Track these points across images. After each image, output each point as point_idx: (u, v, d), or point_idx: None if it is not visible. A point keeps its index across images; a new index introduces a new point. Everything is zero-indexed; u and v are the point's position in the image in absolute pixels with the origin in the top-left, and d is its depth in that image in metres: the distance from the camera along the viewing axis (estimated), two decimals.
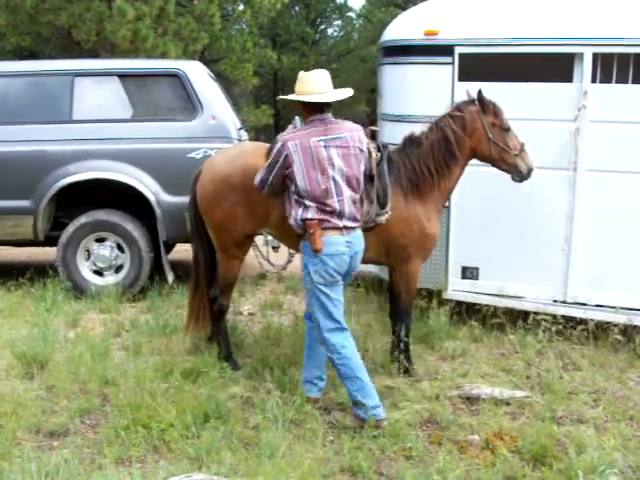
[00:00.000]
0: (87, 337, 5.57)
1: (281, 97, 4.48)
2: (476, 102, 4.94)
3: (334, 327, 4.24)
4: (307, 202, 4.12)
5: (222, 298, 5.10)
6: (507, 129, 4.97)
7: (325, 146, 4.10)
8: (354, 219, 4.21)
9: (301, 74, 4.27)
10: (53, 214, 7.22)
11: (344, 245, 4.16)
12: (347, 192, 4.15)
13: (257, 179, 4.33)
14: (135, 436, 4.00)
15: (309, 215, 4.12)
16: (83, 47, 14.06)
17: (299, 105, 4.24)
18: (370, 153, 4.72)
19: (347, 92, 4.29)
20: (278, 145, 4.16)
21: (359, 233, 4.29)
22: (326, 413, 4.42)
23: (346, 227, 4.17)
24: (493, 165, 5.06)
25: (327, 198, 4.10)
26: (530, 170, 5.01)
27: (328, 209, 4.12)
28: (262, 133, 23.20)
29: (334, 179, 4.11)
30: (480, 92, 4.90)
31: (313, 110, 4.21)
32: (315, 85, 4.19)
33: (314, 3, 31.03)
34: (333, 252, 4.14)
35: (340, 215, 4.14)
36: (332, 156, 4.11)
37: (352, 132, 4.21)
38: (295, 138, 4.13)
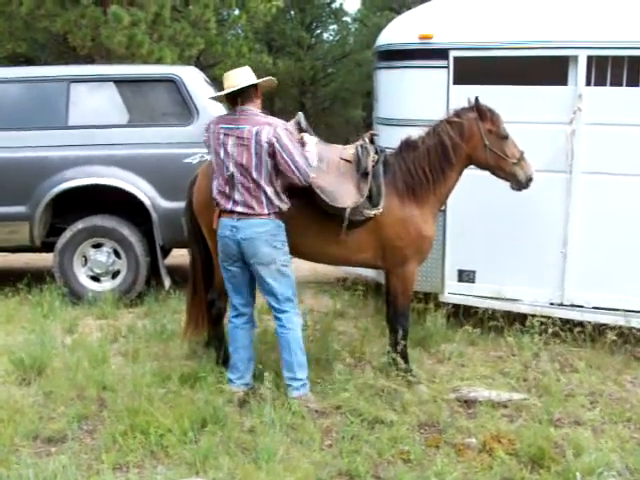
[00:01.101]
0: (84, 343, 5.56)
1: (212, 96, 5.04)
2: (474, 108, 4.94)
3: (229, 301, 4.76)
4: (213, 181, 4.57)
5: (219, 302, 5.11)
6: (505, 137, 4.95)
7: (225, 134, 4.44)
8: (248, 206, 4.41)
9: (225, 74, 4.63)
10: (49, 220, 7.21)
11: (228, 229, 4.44)
12: (239, 179, 4.40)
13: None
14: (133, 441, 3.99)
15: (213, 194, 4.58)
16: (79, 53, 14.04)
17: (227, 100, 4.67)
18: (367, 152, 4.78)
19: (248, 80, 4.50)
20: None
21: (252, 222, 4.41)
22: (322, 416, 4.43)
23: (235, 212, 4.43)
24: (491, 173, 5.06)
25: (221, 181, 4.47)
26: (529, 179, 5.00)
27: (221, 190, 4.48)
28: None
29: (226, 166, 4.42)
30: (477, 99, 4.90)
31: (232, 102, 4.56)
32: (230, 81, 4.51)
33: (309, 8, 31.04)
34: (219, 234, 4.53)
35: (229, 199, 4.44)
36: (227, 144, 4.42)
37: (256, 126, 4.39)
38: (213, 122, 4.59)
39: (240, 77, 4.51)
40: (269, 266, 4.45)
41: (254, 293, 4.79)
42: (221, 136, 4.44)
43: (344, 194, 4.69)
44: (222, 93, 4.56)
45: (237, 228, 4.41)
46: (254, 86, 4.53)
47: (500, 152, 4.94)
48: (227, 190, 4.44)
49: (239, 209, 4.41)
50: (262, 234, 4.41)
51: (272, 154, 4.37)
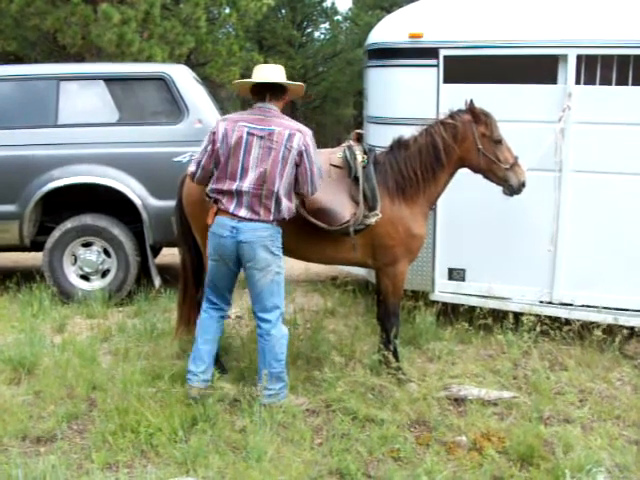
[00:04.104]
0: (74, 342, 5.55)
1: (238, 81, 4.71)
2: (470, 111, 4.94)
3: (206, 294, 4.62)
4: (215, 178, 4.37)
5: None
6: (499, 141, 4.94)
7: (250, 133, 4.27)
8: (253, 212, 4.29)
9: (257, 66, 4.50)
10: (39, 219, 7.19)
11: (228, 229, 4.30)
12: (254, 184, 4.25)
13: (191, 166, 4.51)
14: (123, 441, 3.99)
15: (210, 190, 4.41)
16: (69, 51, 13.99)
17: (251, 92, 4.50)
18: (355, 156, 4.79)
19: (284, 78, 4.44)
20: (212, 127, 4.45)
21: (255, 226, 4.30)
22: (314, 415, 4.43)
23: (237, 215, 4.29)
24: (484, 177, 5.05)
25: (230, 180, 4.28)
26: (522, 185, 4.99)
27: (225, 189, 4.30)
28: None
29: (243, 167, 4.26)
30: (472, 102, 4.89)
31: (257, 97, 4.42)
32: (266, 72, 4.41)
33: (300, 6, 31.08)
34: (214, 231, 4.37)
35: (233, 200, 4.29)
36: (251, 144, 4.26)
37: (287, 130, 4.29)
38: (229, 119, 4.38)
39: (277, 73, 4.41)
40: (264, 272, 4.35)
41: (232, 294, 4.72)
42: (244, 135, 4.26)
43: (341, 209, 4.70)
44: (252, 81, 4.38)
45: (238, 229, 4.28)
46: (284, 87, 4.45)
47: (493, 156, 4.93)
48: (234, 190, 4.27)
49: (242, 213, 4.28)
50: (264, 238, 4.31)
51: (298, 162, 4.31)
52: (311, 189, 4.44)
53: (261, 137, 4.26)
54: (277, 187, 4.26)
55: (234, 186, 4.27)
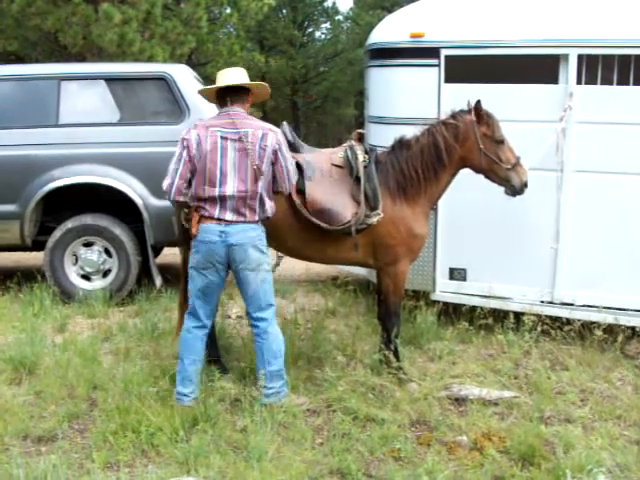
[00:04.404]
0: (75, 342, 5.55)
1: (201, 89, 4.77)
2: (472, 111, 4.92)
3: (191, 310, 4.52)
4: (192, 188, 4.32)
5: None
6: (500, 142, 4.93)
7: (223, 137, 4.26)
8: (239, 213, 4.29)
9: (220, 71, 4.53)
10: (40, 219, 7.19)
11: (216, 234, 4.27)
12: (234, 185, 4.24)
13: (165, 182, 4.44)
14: (123, 440, 3.99)
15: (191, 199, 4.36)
16: (70, 51, 14.00)
17: (215, 98, 4.56)
18: (356, 156, 4.79)
19: (244, 79, 4.44)
20: (182, 134, 4.37)
21: (244, 227, 4.30)
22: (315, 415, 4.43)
23: (223, 219, 4.27)
24: (485, 177, 5.05)
25: (210, 186, 4.25)
26: (524, 185, 4.99)
27: (207, 197, 4.27)
28: None
29: (222, 172, 4.24)
30: (478, 102, 4.88)
31: (222, 102, 4.45)
32: (226, 77, 4.43)
33: (302, 6, 31.11)
34: (202, 239, 4.32)
35: (217, 205, 4.27)
36: (227, 148, 4.25)
37: (259, 130, 4.30)
38: (200, 126, 4.34)
39: (236, 76, 4.44)
40: (256, 271, 4.36)
41: (218, 304, 4.71)
42: (218, 139, 4.25)
43: (342, 209, 4.71)
44: (215, 87, 4.45)
45: (227, 233, 4.27)
46: (247, 89, 4.48)
47: (495, 157, 4.92)
48: (217, 196, 4.26)
49: (229, 217, 4.28)
50: (253, 239, 4.33)
51: (273, 161, 4.33)
52: (289, 186, 4.47)
53: (235, 140, 4.27)
54: (260, 187, 4.29)
55: (216, 192, 4.26)
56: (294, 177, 4.51)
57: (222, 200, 4.27)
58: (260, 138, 4.28)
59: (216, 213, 4.29)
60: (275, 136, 4.34)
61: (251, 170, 4.26)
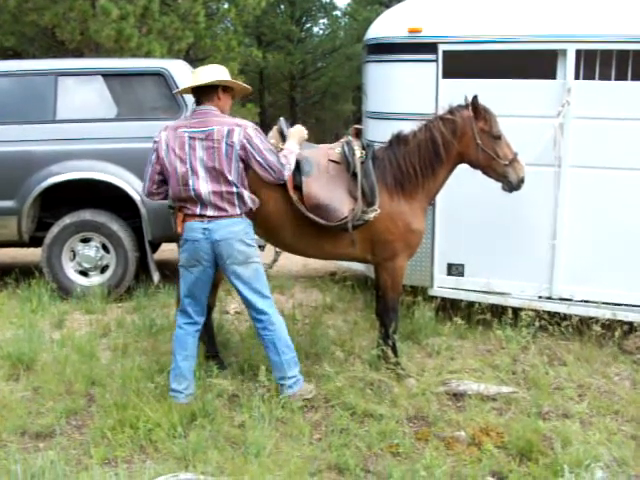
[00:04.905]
0: (73, 338, 5.55)
1: (175, 91, 4.86)
2: (469, 107, 4.91)
3: (181, 307, 4.57)
4: (170, 189, 4.39)
5: (210, 296, 5.07)
6: (497, 137, 4.93)
7: (191, 137, 4.27)
8: (219, 209, 4.29)
9: (193, 70, 4.54)
10: (37, 215, 7.18)
11: (200, 232, 4.29)
12: (207, 182, 4.25)
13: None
14: (121, 436, 3.99)
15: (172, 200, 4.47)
16: (67, 47, 13.98)
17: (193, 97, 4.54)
18: (353, 152, 4.79)
19: (212, 77, 4.37)
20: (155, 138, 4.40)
21: (227, 222, 4.30)
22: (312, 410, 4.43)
23: (205, 215, 4.29)
24: (483, 172, 5.05)
25: (184, 186, 4.27)
26: (521, 181, 4.99)
27: (184, 196, 4.30)
28: None
29: (194, 171, 4.25)
30: (475, 97, 4.88)
31: (197, 101, 4.44)
32: (196, 77, 4.41)
33: (299, 1, 31.05)
34: (187, 237, 4.35)
35: (197, 203, 4.29)
36: (195, 148, 4.26)
37: (225, 126, 4.27)
38: (169, 128, 4.37)
39: (205, 75, 4.37)
40: (245, 265, 4.36)
41: (207, 302, 4.70)
42: (186, 140, 4.26)
43: (339, 205, 4.70)
44: (182, 89, 4.51)
45: (210, 230, 4.27)
46: (218, 86, 4.40)
47: (492, 152, 4.92)
48: (193, 195, 4.26)
49: (210, 213, 4.29)
50: (237, 233, 4.31)
51: (244, 156, 4.28)
52: (274, 175, 4.39)
53: (202, 139, 4.25)
54: (232, 182, 4.27)
55: (190, 191, 4.27)
56: (277, 165, 4.36)
57: (199, 198, 4.28)
58: (226, 135, 4.24)
59: (198, 210, 4.31)
60: (243, 131, 4.26)
61: (220, 167, 4.24)
